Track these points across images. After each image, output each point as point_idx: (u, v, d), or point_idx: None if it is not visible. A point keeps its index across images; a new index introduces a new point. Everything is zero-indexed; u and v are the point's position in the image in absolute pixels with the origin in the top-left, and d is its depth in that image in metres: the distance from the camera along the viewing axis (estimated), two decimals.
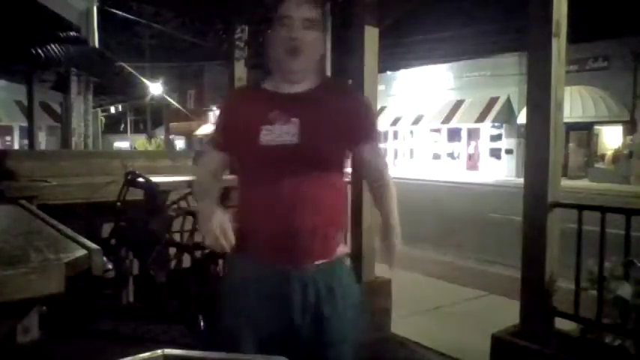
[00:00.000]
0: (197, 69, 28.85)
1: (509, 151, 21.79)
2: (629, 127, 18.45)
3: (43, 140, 19.57)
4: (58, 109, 15.17)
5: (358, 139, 1.49)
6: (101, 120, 19.09)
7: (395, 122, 26.10)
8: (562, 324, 2.55)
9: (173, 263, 3.59)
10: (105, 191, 3.44)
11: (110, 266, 3.09)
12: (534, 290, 2.48)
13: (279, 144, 1.37)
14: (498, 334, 2.60)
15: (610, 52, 18.79)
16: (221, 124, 1.53)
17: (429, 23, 21.50)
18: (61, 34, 6.11)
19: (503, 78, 21.05)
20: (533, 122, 2.50)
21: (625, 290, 2.28)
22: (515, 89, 20.47)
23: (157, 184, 3.19)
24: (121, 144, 31.90)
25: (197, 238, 3.03)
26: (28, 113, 10.83)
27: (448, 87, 24.22)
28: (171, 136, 31.73)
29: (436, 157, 25.35)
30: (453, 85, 23.98)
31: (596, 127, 19.83)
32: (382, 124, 24.65)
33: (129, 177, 3.34)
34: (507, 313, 2.83)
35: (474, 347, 3.00)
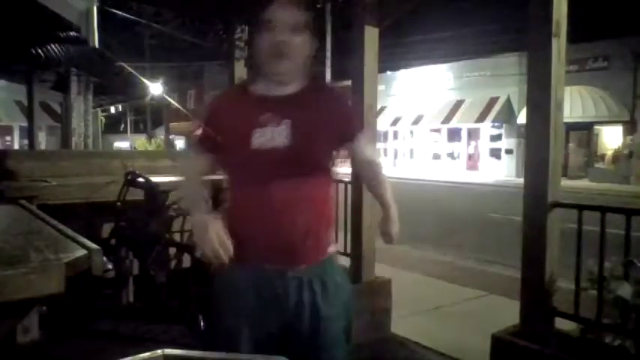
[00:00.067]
0: (197, 69, 28.82)
1: (509, 151, 21.80)
2: (629, 127, 18.45)
3: (43, 140, 19.58)
4: (58, 109, 15.18)
5: (351, 135, 1.52)
6: (101, 120, 19.09)
7: (395, 122, 26.10)
8: (562, 324, 2.55)
9: (173, 263, 3.60)
10: (105, 191, 3.44)
11: (110, 266, 3.09)
12: (534, 290, 2.48)
13: (271, 147, 1.37)
14: (498, 334, 2.60)
15: (610, 52, 18.80)
16: (209, 126, 1.49)
17: (429, 23, 21.51)
18: (61, 34, 6.11)
19: (503, 78, 21.06)
20: (533, 122, 2.50)
21: (625, 290, 2.28)
22: (515, 89, 20.48)
23: (157, 184, 3.19)
24: (121, 144, 31.90)
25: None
26: (28, 113, 10.84)
27: (448, 87, 24.22)
28: (171, 136, 31.71)
29: (436, 157, 25.35)
30: (453, 85, 23.99)
31: (596, 127, 19.84)
32: (382, 124, 24.66)
33: (129, 177, 3.34)
34: (507, 313, 2.83)
35: (474, 347, 3.01)
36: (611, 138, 19.73)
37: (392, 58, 23.12)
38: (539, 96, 2.43)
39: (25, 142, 16.30)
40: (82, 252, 1.28)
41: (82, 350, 2.86)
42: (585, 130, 19.77)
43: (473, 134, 24.04)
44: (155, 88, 19.28)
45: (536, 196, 2.46)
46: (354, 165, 1.70)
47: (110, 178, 3.55)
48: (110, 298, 3.45)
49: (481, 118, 22.05)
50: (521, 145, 16.43)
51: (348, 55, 3.53)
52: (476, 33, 22.64)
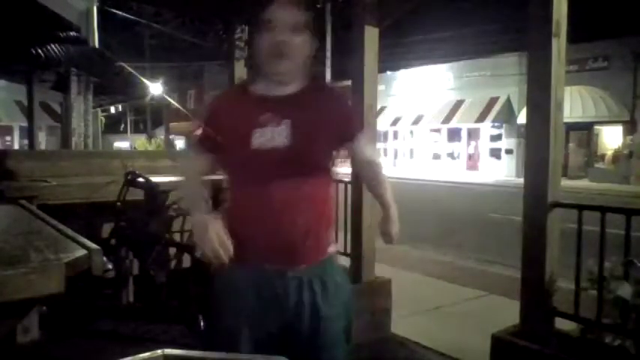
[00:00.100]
0: (197, 69, 28.82)
1: (509, 151, 21.80)
2: (629, 127, 18.45)
3: (43, 140, 19.58)
4: (58, 109, 15.18)
5: (351, 135, 1.53)
6: (101, 120, 19.09)
7: (395, 122, 26.10)
8: (562, 324, 2.55)
9: (173, 263, 3.60)
10: (105, 191, 3.44)
11: (110, 266, 3.09)
12: (534, 290, 2.48)
13: (271, 147, 1.37)
14: (498, 334, 2.60)
15: (610, 52, 18.80)
16: (209, 126, 1.48)
17: (429, 23, 21.50)
18: (61, 34, 6.11)
19: (503, 78, 21.06)
20: (533, 122, 2.50)
21: (625, 290, 2.28)
22: (515, 89, 20.48)
23: (156, 184, 3.19)
24: (121, 144, 31.90)
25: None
26: (28, 113, 10.84)
27: (448, 87, 24.22)
28: (171, 136, 31.71)
29: (436, 157, 25.35)
30: (453, 85, 23.99)
31: (596, 127, 19.84)
32: (382, 124, 24.66)
33: (129, 177, 3.34)
34: (507, 313, 2.82)
35: (474, 347, 3.00)
36: (611, 138, 19.73)
37: (392, 58, 23.13)
38: (539, 96, 2.43)
39: (25, 142, 16.30)
40: (82, 252, 1.28)
41: (82, 350, 2.86)
42: (585, 130, 19.77)
43: (473, 134, 24.04)
44: (155, 88, 19.28)
45: (536, 196, 2.46)
46: (354, 165, 1.70)
47: (110, 178, 3.55)
48: (110, 298, 3.45)
49: (481, 118, 22.05)
50: (521, 145, 16.43)
51: (348, 55, 3.53)
52: (476, 33, 22.65)
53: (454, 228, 8.63)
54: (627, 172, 17.54)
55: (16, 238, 1.48)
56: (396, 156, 26.92)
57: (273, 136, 1.38)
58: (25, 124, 15.07)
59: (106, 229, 3.54)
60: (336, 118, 1.47)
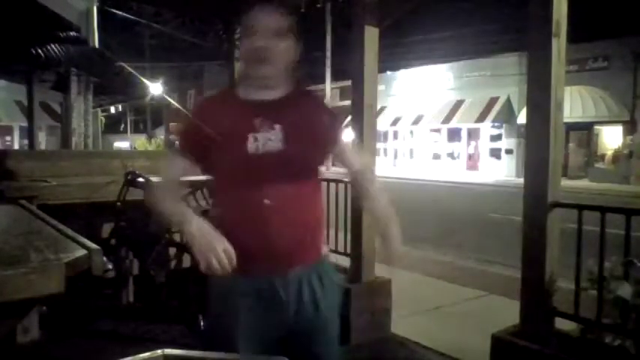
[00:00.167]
0: (197, 69, 28.85)
1: (509, 151, 21.79)
2: (629, 127, 18.44)
3: (43, 140, 19.59)
4: (58, 109, 15.19)
5: (337, 138, 1.55)
6: (101, 120, 19.11)
7: (395, 122, 26.10)
8: (562, 324, 2.55)
9: (173, 263, 3.60)
10: (105, 191, 3.44)
11: (110, 266, 3.10)
12: (534, 290, 2.48)
13: (265, 151, 1.37)
14: (498, 334, 2.60)
15: (610, 52, 18.78)
16: (197, 131, 1.43)
17: (429, 23, 21.49)
18: (61, 34, 6.12)
19: (503, 78, 21.05)
20: (533, 122, 2.50)
21: (625, 290, 2.28)
22: (515, 89, 20.47)
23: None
24: (121, 144, 31.90)
25: None
26: (28, 113, 10.84)
27: (448, 87, 24.21)
28: (171, 136, 31.71)
29: (436, 157, 25.35)
30: (453, 85, 23.98)
31: (596, 127, 19.82)
32: (382, 124, 24.66)
33: (129, 177, 3.34)
34: (507, 313, 2.82)
35: (474, 347, 3.00)
36: (611, 138, 19.72)
37: (392, 58, 23.12)
38: (539, 96, 2.43)
39: (25, 142, 16.30)
40: (82, 252, 1.28)
41: (82, 350, 2.86)
42: (585, 130, 19.76)
43: (473, 134, 24.03)
44: (155, 88, 19.29)
45: (536, 196, 2.46)
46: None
47: (110, 178, 3.56)
48: (110, 298, 3.45)
49: (481, 118, 22.04)
50: (521, 145, 16.43)
51: (348, 55, 3.53)
52: (476, 33, 22.62)
53: (454, 228, 8.63)
54: (627, 172, 17.53)
55: (16, 238, 1.48)
56: (396, 156, 26.92)
57: (266, 140, 1.38)
58: (25, 124, 15.07)
59: (106, 229, 3.54)
60: (322, 123, 1.49)
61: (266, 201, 1.36)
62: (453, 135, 24.68)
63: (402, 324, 3.56)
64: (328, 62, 19.98)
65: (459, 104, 23.37)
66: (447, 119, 23.53)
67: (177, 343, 2.94)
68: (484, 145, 23.38)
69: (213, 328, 1.52)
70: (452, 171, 23.20)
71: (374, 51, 3.35)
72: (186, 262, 3.43)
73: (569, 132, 18.63)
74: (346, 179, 3.29)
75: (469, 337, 3.37)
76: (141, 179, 3.26)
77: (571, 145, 19.71)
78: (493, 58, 21.84)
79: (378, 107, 4.74)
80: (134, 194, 3.26)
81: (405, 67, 25.76)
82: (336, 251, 3.56)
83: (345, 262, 3.52)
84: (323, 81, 20.18)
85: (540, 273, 2.44)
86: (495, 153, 22.72)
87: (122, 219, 3.42)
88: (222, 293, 1.44)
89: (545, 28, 2.38)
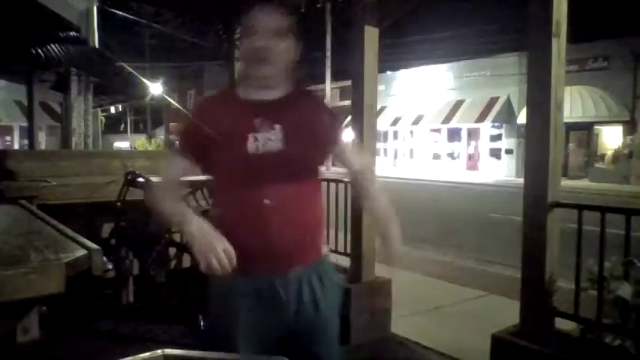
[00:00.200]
0: (197, 69, 28.83)
1: (509, 151, 21.80)
2: (629, 127, 18.45)
3: (43, 140, 19.59)
4: (58, 109, 15.20)
5: (337, 138, 1.55)
6: (101, 120, 19.11)
7: (395, 122, 26.10)
8: (562, 324, 2.55)
9: (173, 263, 3.60)
10: (105, 191, 3.44)
11: (110, 266, 3.10)
12: (534, 290, 2.48)
13: (266, 151, 1.37)
14: (498, 334, 2.60)
15: (610, 52, 18.79)
16: (197, 132, 1.42)
17: (429, 23, 21.47)
18: (61, 34, 6.11)
19: (503, 78, 21.05)
20: (533, 122, 2.50)
21: (625, 290, 2.28)
22: (515, 89, 20.47)
23: None
24: (121, 144, 31.90)
25: None
26: (28, 113, 10.85)
27: (448, 87, 24.22)
28: (171, 136, 31.71)
29: (436, 157, 25.35)
30: (453, 85, 23.98)
31: (596, 127, 19.83)
32: (382, 124, 24.66)
33: (129, 177, 3.34)
34: (507, 313, 2.82)
35: (474, 347, 3.00)
36: (611, 138, 19.73)
37: (392, 58, 23.11)
38: (539, 96, 2.43)
39: (25, 142, 16.30)
40: (82, 252, 1.28)
41: (82, 350, 2.86)
42: (585, 130, 19.76)
43: (473, 134, 24.03)
44: (155, 88, 19.29)
45: (536, 196, 2.46)
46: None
47: (110, 178, 3.56)
48: (110, 298, 3.45)
49: (481, 118, 22.05)
50: (521, 145, 16.43)
51: (348, 55, 3.53)
52: (476, 33, 22.61)
53: (454, 228, 8.63)
54: (627, 172, 17.54)
55: (16, 238, 1.48)
56: (396, 156, 26.92)
57: (267, 140, 1.38)
58: (25, 124, 15.08)
59: (106, 229, 3.54)
60: (322, 122, 1.49)
61: (266, 201, 1.36)
62: (453, 135, 24.68)
63: (402, 324, 3.56)
64: (328, 62, 19.97)
65: (459, 104, 23.37)
66: (447, 119, 23.53)
67: (177, 343, 2.94)
68: (484, 145, 23.38)
69: (213, 328, 1.52)
70: (452, 171, 23.20)
71: (374, 51, 3.35)
72: (186, 262, 3.43)
73: (569, 132, 18.64)
74: (346, 179, 3.29)
75: (469, 337, 3.37)
76: (141, 179, 3.26)
77: (571, 145, 19.71)
78: (493, 58, 21.84)
79: (378, 107, 4.74)
80: (134, 194, 3.26)
81: (405, 67, 25.75)
82: (336, 251, 3.56)
83: (345, 262, 3.52)
84: (323, 81, 20.16)
85: (540, 273, 2.44)
86: (495, 153, 22.73)
87: (122, 219, 3.42)
88: (222, 293, 1.44)
89: (545, 28, 2.38)
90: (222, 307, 1.44)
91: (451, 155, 24.89)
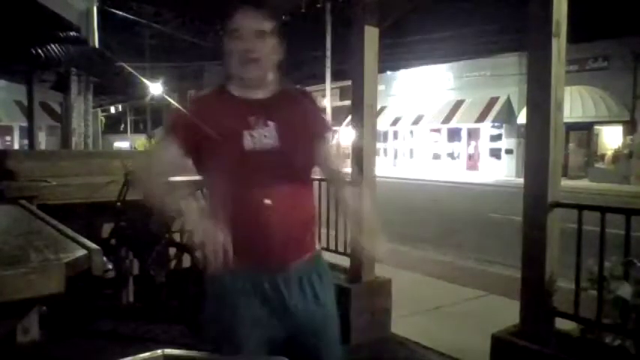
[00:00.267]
0: (197, 69, 28.80)
1: (509, 151, 21.79)
2: (629, 127, 18.45)
3: (43, 140, 19.57)
4: (58, 109, 15.19)
5: (320, 135, 1.57)
6: (101, 120, 19.11)
7: (395, 122, 26.10)
8: (562, 324, 2.55)
9: (173, 263, 3.60)
10: (105, 191, 3.44)
11: (110, 266, 3.10)
12: (534, 290, 2.48)
13: (261, 148, 1.40)
14: (498, 334, 2.60)
15: (610, 52, 18.79)
16: (192, 128, 1.42)
17: (429, 23, 21.47)
18: (61, 34, 6.12)
19: (503, 78, 21.05)
20: (533, 122, 2.50)
21: (625, 290, 2.28)
22: (515, 89, 20.47)
23: None
24: (121, 144, 31.88)
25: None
26: (28, 113, 10.84)
27: (448, 87, 24.22)
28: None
29: (436, 157, 25.35)
30: (453, 85, 23.98)
31: (596, 127, 19.83)
32: (382, 124, 24.66)
33: (129, 177, 3.34)
34: (507, 313, 2.82)
35: (474, 347, 3.00)
36: (611, 138, 19.72)
37: (392, 58, 23.10)
38: (539, 96, 2.43)
39: (25, 142, 16.28)
40: (82, 252, 1.28)
41: (82, 350, 2.86)
42: (585, 130, 19.76)
43: (473, 134, 24.03)
44: (155, 88, 19.30)
45: (536, 196, 2.46)
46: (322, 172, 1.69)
47: (110, 178, 3.56)
48: (110, 298, 3.45)
49: (481, 118, 22.04)
50: (521, 145, 16.43)
51: (348, 55, 3.53)
52: (476, 33, 22.60)
53: (454, 228, 8.63)
54: (627, 172, 17.53)
55: (16, 238, 1.48)
56: (396, 156, 26.92)
57: (261, 138, 1.40)
58: (25, 124, 15.06)
59: (106, 229, 3.54)
60: (311, 119, 1.53)
61: (265, 199, 1.38)
62: (453, 135, 24.68)
63: (402, 324, 3.56)
64: (328, 62, 19.96)
65: (459, 104, 23.37)
66: (447, 119, 23.53)
67: (177, 343, 2.94)
68: (484, 145, 23.38)
69: (213, 327, 1.52)
70: (452, 171, 23.20)
71: (374, 51, 3.35)
72: (187, 262, 3.43)
73: (569, 132, 18.63)
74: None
75: (469, 337, 3.37)
76: None
77: (571, 145, 19.71)
78: (493, 58, 21.84)
79: (378, 107, 4.74)
80: (134, 194, 3.26)
81: (405, 67, 25.75)
82: (336, 251, 3.57)
83: (345, 262, 3.52)
84: (323, 81, 20.16)
85: (540, 273, 2.44)
86: (495, 153, 22.73)
87: (122, 219, 3.42)
88: (222, 292, 1.44)
89: (545, 28, 2.38)
90: (222, 306, 1.44)
91: (451, 155, 24.89)
